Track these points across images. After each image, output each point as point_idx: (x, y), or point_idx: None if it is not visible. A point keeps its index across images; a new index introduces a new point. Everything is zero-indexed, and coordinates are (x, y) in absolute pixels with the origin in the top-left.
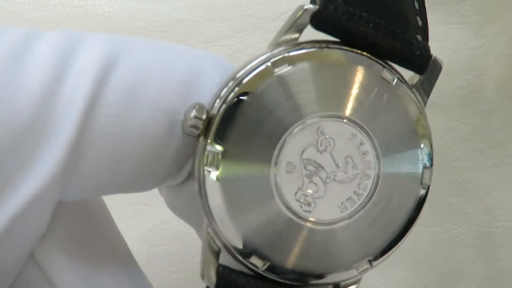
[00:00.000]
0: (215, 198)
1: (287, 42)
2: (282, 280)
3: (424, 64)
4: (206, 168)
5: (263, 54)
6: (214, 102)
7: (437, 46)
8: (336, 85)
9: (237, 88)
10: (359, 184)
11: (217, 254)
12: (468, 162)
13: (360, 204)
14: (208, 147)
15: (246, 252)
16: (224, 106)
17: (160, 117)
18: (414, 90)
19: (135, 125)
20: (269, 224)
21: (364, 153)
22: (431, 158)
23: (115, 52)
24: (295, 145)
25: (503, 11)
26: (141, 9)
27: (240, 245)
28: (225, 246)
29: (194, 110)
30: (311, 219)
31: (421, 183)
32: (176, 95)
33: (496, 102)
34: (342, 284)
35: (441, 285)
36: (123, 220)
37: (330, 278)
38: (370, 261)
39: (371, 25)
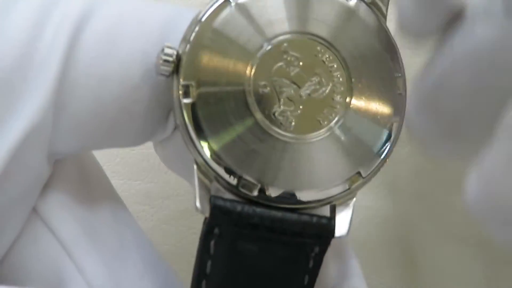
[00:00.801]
0: (197, 128)
1: None
2: (276, 204)
3: None
4: (183, 100)
5: None
6: (180, 45)
7: None
8: (294, 7)
9: (197, 27)
10: (333, 97)
11: (209, 188)
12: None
13: (338, 115)
14: (182, 82)
15: (236, 179)
16: (188, 46)
17: (138, 59)
18: (371, 6)
19: (114, 66)
20: (254, 149)
21: (332, 66)
22: (400, 67)
23: (95, 0)
24: (263, 66)
25: None
26: None
27: (228, 174)
28: (216, 178)
29: (163, 50)
30: (293, 136)
31: (398, 90)
32: (154, 39)
33: None
34: (337, 202)
35: (440, 284)
36: None
37: (324, 195)
38: (360, 174)
39: None
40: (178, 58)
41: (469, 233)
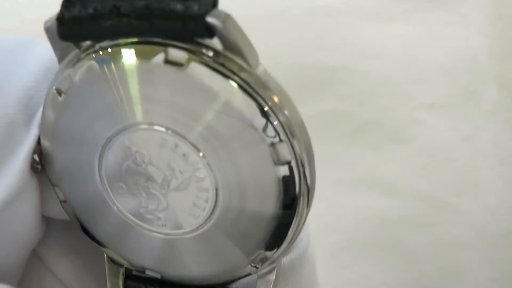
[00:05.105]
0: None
1: (71, 60)
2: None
3: (193, 29)
4: (62, 204)
5: (53, 79)
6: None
7: (437, 45)
8: (123, 91)
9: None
10: (197, 187)
11: (121, 273)
12: (468, 162)
13: (212, 206)
14: (52, 184)
15: (140, 268)
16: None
17: None
18: (220, 58)
19: None
20: (142, 244)
21: (185, 155)
22: (278, 127)
23: None
24: (112, 166)
25: (504, 11)
26: None
27: (131, 265)
28: (126, 268)
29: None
30: (172, 231)
31: (275, 162)
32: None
33: (496, 101)
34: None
35: (441, 285)
36: None
37: (228, 276)
38: (266, 251)
39: (122, 9)
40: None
41: (471, 235)
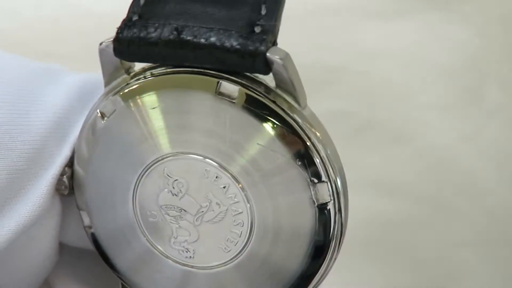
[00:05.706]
0: (107, 262)
1: (118, 85)
2: None
3: (251, 63)
4: (87, 230)
5: (96, 102)
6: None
7: (437, 46)
8: (168, 119)
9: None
10: (234, 221)
11: None
12: (469, 162)
13: (244, 241)
14: (79, 210)
15: None
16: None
17: None
18: (271, 95)
19: None
20: (163, 275)
21: (224, 187)
22: (321, 168)
23: None
24: (147, 193)
25: (504, 11)
26: None
27: None
28: None
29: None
30: (199, 264)
31: (314, 201)
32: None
33: (497, 101)
34: None
35: (442, 285)
36: None
37: None
38: None
39: (183, 34)
40: (71, 177)
41: (472, 235)
